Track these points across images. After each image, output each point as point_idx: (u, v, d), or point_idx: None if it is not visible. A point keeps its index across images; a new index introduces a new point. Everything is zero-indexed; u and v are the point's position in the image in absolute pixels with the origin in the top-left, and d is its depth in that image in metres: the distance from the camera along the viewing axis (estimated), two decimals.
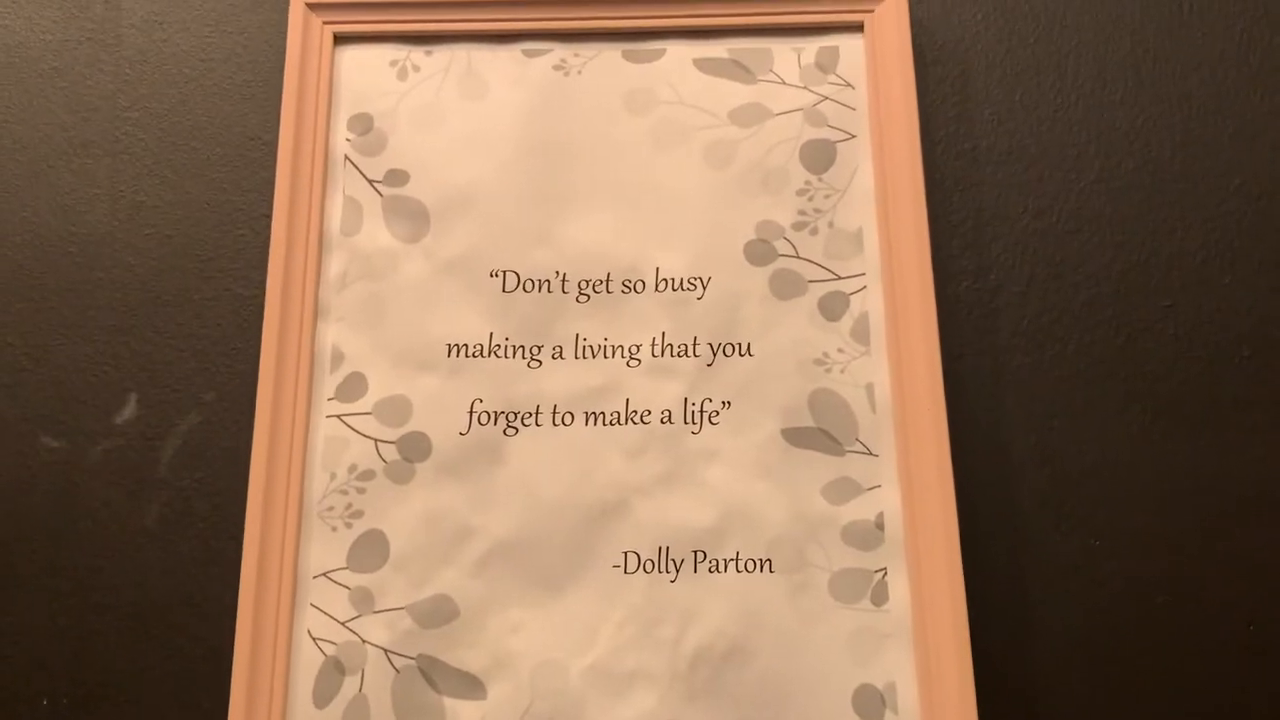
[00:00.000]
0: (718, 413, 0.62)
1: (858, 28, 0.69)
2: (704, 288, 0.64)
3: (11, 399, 0.64)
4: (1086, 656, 0.60)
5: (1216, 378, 0.64)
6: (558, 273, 0.65)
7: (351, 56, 0.69)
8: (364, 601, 0.59)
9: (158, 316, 0.66)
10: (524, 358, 0.63)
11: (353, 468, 0.61)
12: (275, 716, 0.57)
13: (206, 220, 0.68)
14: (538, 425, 0.62)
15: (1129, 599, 0.61)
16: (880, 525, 0.60)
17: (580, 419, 0.62)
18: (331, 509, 0.61)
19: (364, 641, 0.58)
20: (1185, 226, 0.67)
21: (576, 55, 0.69)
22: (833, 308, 0.64)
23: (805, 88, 0.68)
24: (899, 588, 0.59)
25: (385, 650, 0.58)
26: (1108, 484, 0.62)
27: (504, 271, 0.65)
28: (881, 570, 0.59)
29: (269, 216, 0.66)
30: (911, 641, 0.58)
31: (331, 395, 0.63)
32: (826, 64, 0.68)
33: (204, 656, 0.60)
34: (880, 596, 0.59)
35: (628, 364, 0.63)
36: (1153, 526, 0.62)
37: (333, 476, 0.61)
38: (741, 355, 0.63)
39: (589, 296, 0.64)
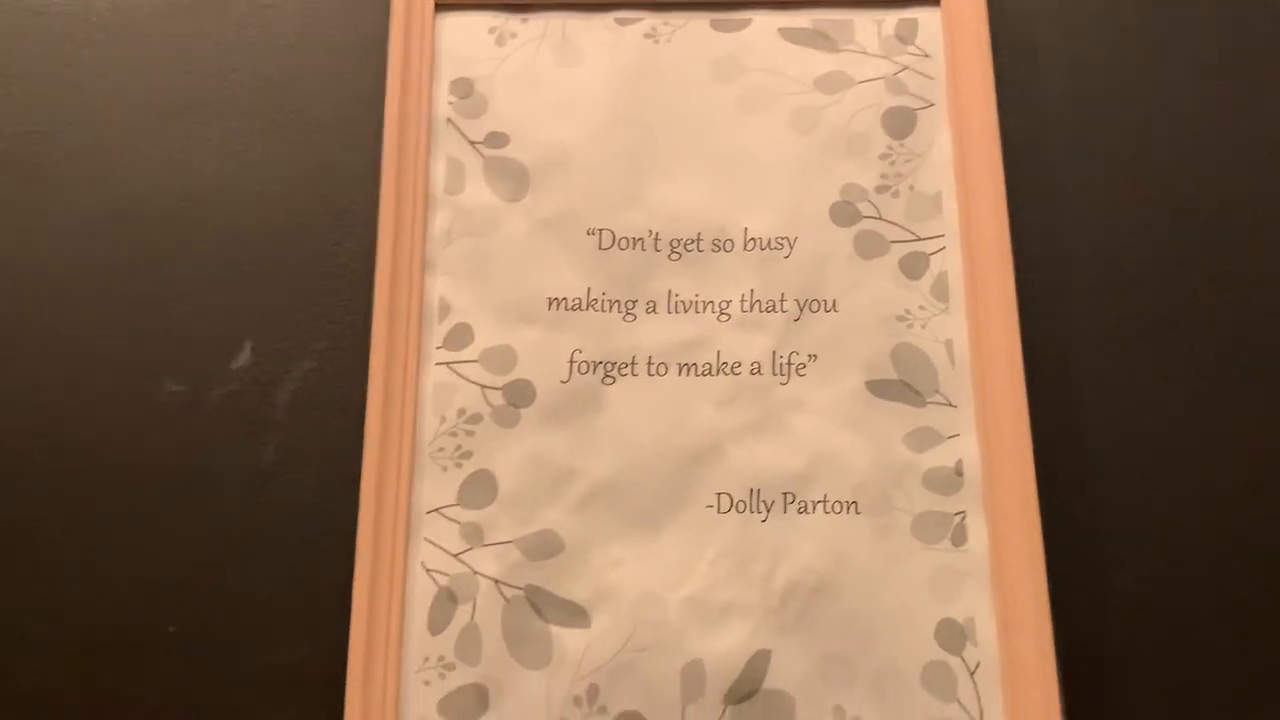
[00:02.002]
0: (804, 365, 0.65)
1: (934, 1, 0.72)
2: (791, 247, 0.68)
3: (134, 345, 0.68)
4: (1158, 593, 0.63)
5: None
6: (650, 232, 0.68)
7: (452, 23, 0.72)
8: (474, 536, 0.63)
9: (269, 268, 0.69)
10: (619, 312, 0.67)
11: (461, 411, 0.65)
12: (393, 643, 0.61)
13: (313, 177, 0.71)
14: (634, 375, 0.66)
15: (1198, 543, 0.64)
16: (959, 471, 0.63)
17: (674, 370, 0.66)
18: (442, 450, 0.64)
19: (475, 573, 0.62)
20: (1260, 195, 0.70)
21: (666, 24, 0.72)
22: (913, 267, 0.67)
23: (886, 57, 0.71)
24: (977, 529, 0.62)
25: (495, 581, 0.62)
26: (1179, 436, 0.66)
27: (600, 230, 0.68)
28: (961, 513, 0.63)
29: (372, 174, 0.69)
30: (989, 580, 0.62)
31: (440, 344, 0.66)
32: (906, 35, 0.71)
33: (322, 588, 0.64)
34: (959, 538, 0.62)
35: (718, 318, 0.66)
36: (1222, 477, 0.65)
37: (443, 419, 0.65)
38: (827, 311, 0.66)
39: (680, 255, 0.68)
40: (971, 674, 0.60)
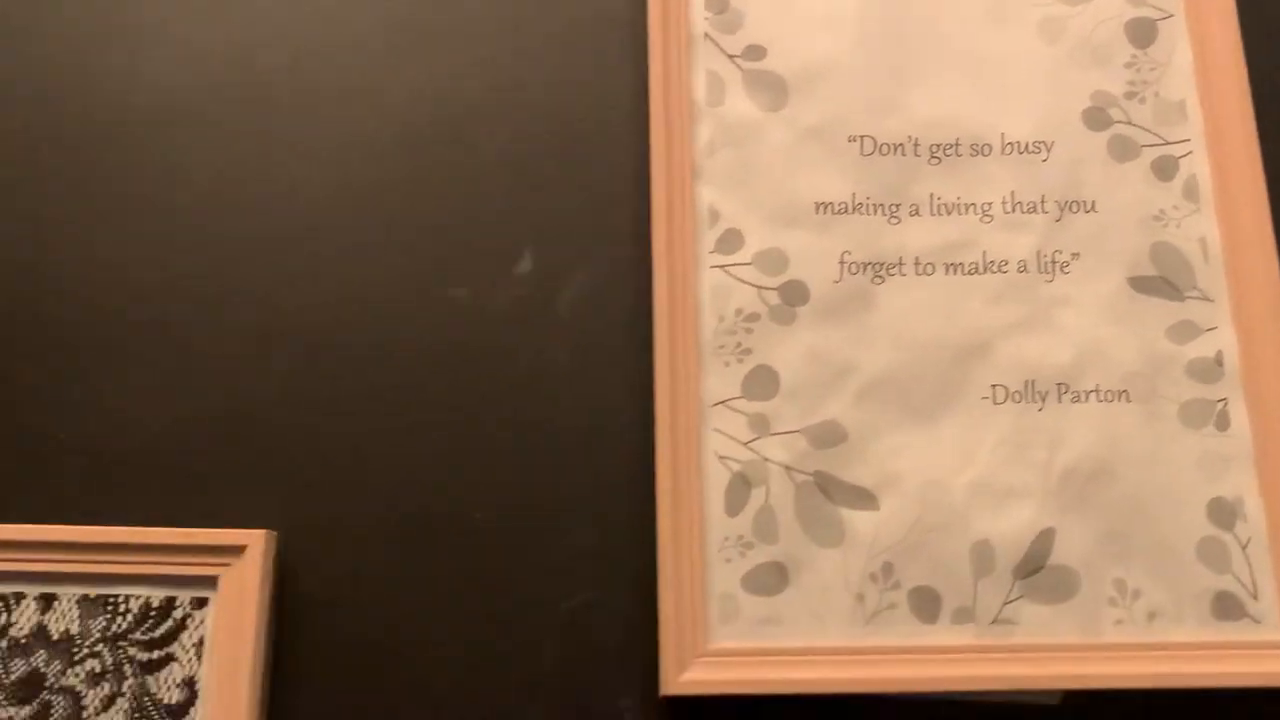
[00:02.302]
0: (1068, 263, 0.69)
1: None
2: (1048, 151, 0.70)
3: (416, 254, 0.71)
4: None
5: None
6: (910, 137, 0.71)
7: None
8: (761, 426, 0.66)
9: (542, 180, 0.72)
10: (884, 215, 0.70)
11: (739, 311, 0.68)
12: (695, 525, 0.64)
13: (577, 94, 0.74)
14: (902, 275, 0.69)
15: None
16: (1219, 361, 0.67)
17: (941, 269, 0.69)
18: (723, 347, 0.68)
19: (765, 459, 0.66)
20: None
21: None
22: (1164, 169, 0.70)
23: None
24: (1239, 415, 0.66)
25: (785, 467, 0.66)
26: None
27: (861, 137, 0.71)
28: (1222, 400, 0.66)
29: (632, 89, 0.73)
30: (1253, 462, 0.65)
31: (712, 249, 0.69)
32: None
33: (615, 476, 0.67)
34: (1223, 423, 0.66)
35: (981, 220, 0.70)
36: None
37: (721, 319, 0.68)
38: (1087, 212, 0.69)
39: (940, 159, 0.71)
40: (1243, 548, 0.64)
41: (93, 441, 0.67)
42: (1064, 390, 0.67)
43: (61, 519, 0.65)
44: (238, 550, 0.64)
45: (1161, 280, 0.68)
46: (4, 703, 0.63)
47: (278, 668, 0.64)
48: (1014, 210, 0.70)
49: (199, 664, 0.63)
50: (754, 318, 0.68)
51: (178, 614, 0.64)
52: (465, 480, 0.68)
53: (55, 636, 0.64)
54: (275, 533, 0.65)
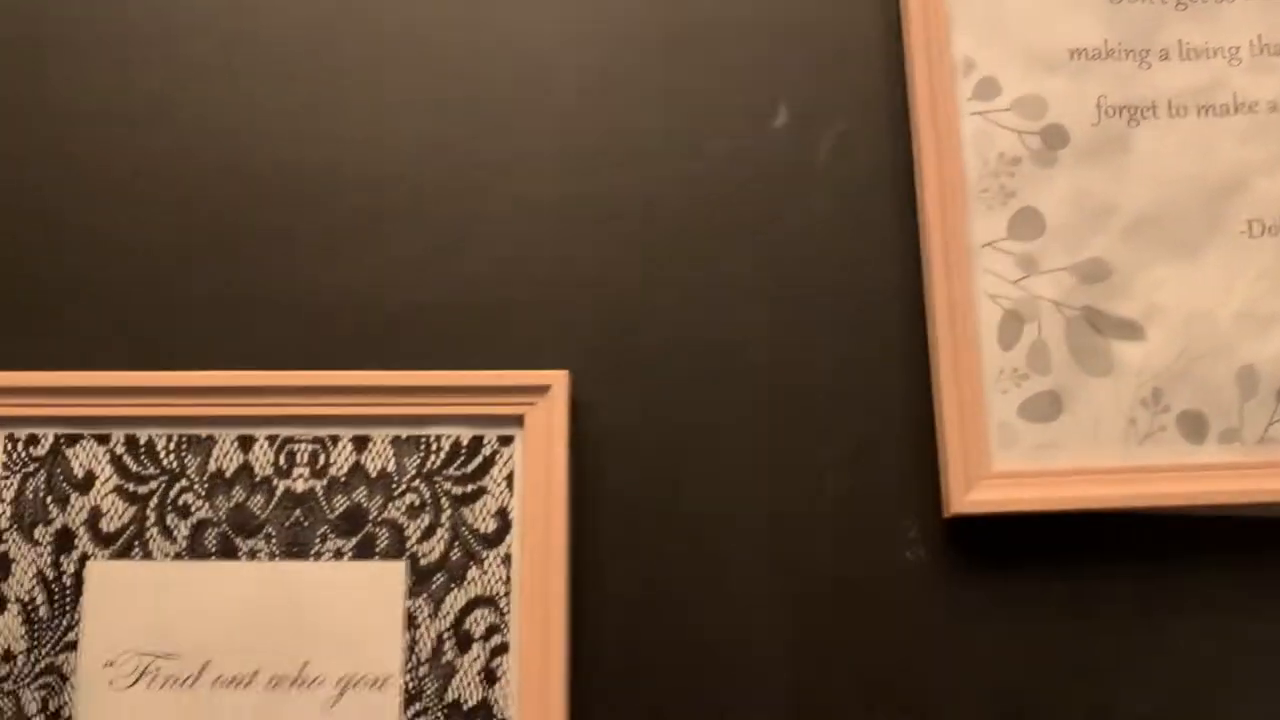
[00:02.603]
0: None
1: None
2: None
3: (678, 110, 0.74)
4: None
5: None
6: None
7: None
8: (1029, 265, 0.70)
9: (793, 34, 0.74)
10: (1135, 60, 0.72)
11: (1001, 155, 0.71)
12: (972, 359, 0.68)
13: None
14: (1155, 118, 0.71)
15: None
16: None
17: (1193, 112, 0.71)
18: (986, 190, 0.70)
19: (1035, 297, 0.69)
20: None
21: None
22: None
23: None
24: None
25: (1055, 303, 0.69)
26: None
27: None
28: None
29: None
30: None
31: (970, 96, 0.72)
32: None
33: (885, 317, 0.71)
34: None
35: (1229, 63, 0.72)
36: None
37: (985, 163, 0.71)
38: None
39: (1186, 6, 0.73)
40: None
41: (393, 294, 0.71)
42: None
43: (369, 365, 0.68)
44: (542, 390, 0.67)
45: None
46: (331, 535, 0.67)
47: (575, 498, 0.68)
48: (1261, 53, 0.72)
49: (510, 496, 0.67)
50: (1016, 161, 0.71)
51: (486, 451, 0.68)
52: (742, 324, 0.71)
53: (373, 474, 0.67)
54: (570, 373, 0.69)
